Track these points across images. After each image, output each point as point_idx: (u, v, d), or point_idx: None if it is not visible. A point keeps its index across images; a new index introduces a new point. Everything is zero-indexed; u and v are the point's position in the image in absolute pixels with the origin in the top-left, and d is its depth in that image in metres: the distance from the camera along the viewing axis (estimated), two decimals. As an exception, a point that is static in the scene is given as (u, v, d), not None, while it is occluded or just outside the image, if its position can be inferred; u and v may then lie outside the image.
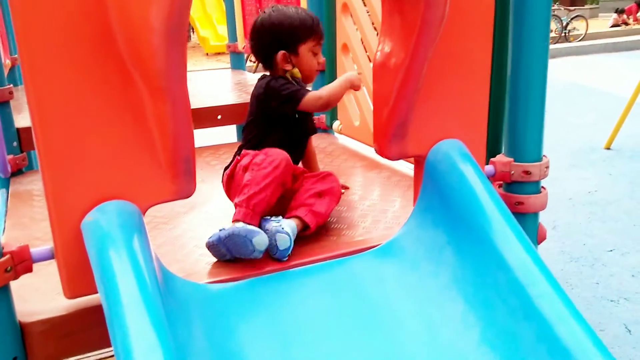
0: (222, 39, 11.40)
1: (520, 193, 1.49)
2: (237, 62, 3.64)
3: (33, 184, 1.97)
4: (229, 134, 3.40)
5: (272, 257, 1.34)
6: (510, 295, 1.16)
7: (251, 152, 1.52)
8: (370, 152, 2.20)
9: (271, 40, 1.58)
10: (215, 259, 1.36)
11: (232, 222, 1.35)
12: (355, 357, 1.16)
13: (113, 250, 1.02)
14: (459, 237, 1.32)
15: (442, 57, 1.30)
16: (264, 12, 1.62)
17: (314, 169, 1.77)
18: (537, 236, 1.53)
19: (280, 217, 1.40)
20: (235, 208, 1.38)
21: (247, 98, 2.71)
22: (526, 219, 1.49)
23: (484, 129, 1.44)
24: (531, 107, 1.45)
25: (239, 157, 1.55)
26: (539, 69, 1.43)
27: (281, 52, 1.58)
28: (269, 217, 1.39)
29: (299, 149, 1.69)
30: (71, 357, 1.15)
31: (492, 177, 1.50)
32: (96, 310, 1.14)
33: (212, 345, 1.11)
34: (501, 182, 1.53)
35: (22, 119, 2.23)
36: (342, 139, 2.44)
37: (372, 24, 2.15)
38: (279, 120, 1.60)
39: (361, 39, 2.22)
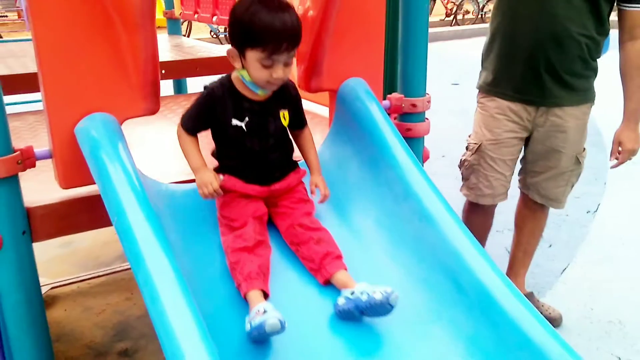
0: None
1: (409, 122, 1.94)
2: (174, 28, 3.92)
3: None
4: (167, 87, 3.75)
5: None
6: (394, 184, 1.61)
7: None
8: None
9: (231, 28, 1.43)
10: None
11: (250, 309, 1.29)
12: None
13: (103, 150, 1.35)
14: (361, 151, 1.75)
15: (347, 12, 1.71)
16: None
17: (309, 160, 1.66)
18: (422, 156, 1.99)
19: (347, 293, 1.36)
20: (240, 290, 1.36)
21: (184, 57, 3.05)
22: (414, 142, 1.95)
23: (381, 70, 1.87)
24: (417, 55, 1.90)
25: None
26: (422, 27, 1.88)
27: (231, 48, 1.44)
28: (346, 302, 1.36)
29: (268, 162, 1.52)
30: (66, 234, 1.50)
31: (389, 110, 1.94)
32: (84, 200, 1.50)
33: (179, 233, 1.47)
34: (396, 114, 1.98)
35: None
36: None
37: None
38: (221, 133, 1.50)
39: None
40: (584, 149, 2.36)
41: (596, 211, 3.72)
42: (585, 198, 3.83)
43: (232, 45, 1.44)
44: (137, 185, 1.31)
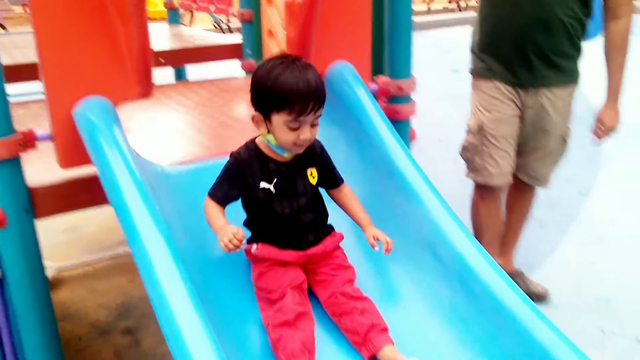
0: (154, 5, 11.39)
1: (396, 103, 2.01)
2: (174, 18, 3.99)
3: None
4: (168, 75, 3.90)
5: None
6: (379, 163, 1.69)
7: (250, 253, 1.46)
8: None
9: (254, 94, 1.41)
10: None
11: None
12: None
13: (99, 132, 1.43)
14: (348, 131, 1.84)
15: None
16: (271, 61, 1.40)
17: (357, 216, 1.57)
18: (409, 136, 2.07)
19: None
20: None
21: (183, 45, 3.13)
22: (402, 123, 2.02)
23: (368, 53, 1.94)
24: (402, 40, 1.97)
25: (246, 248, 1.47)
26: (406, 14, 1.95)
27: (255, 113, 1.42)
28: None
29: (301, 224, 1.47)
30: (67, 212, 1.58)
31: (377, 93, 2.00)
32: (84, 180, 1.58)
33: (175, 208, 1.56)
34: (385, 97, 2.05)
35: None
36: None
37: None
38: (251, 199, 1.47)
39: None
40: (569, 128, 2.43)
41: (588, 193, 3.78)
42: (577, 180, 3.89)
43: (255, 110, 1.42)
44: (131, 164, 1.39)
